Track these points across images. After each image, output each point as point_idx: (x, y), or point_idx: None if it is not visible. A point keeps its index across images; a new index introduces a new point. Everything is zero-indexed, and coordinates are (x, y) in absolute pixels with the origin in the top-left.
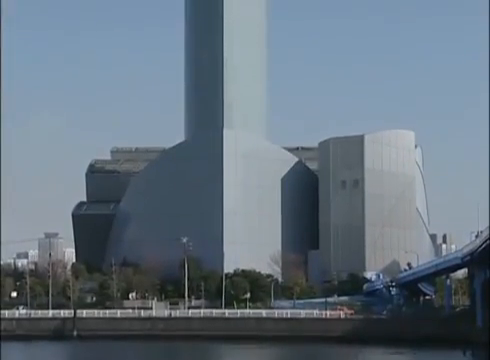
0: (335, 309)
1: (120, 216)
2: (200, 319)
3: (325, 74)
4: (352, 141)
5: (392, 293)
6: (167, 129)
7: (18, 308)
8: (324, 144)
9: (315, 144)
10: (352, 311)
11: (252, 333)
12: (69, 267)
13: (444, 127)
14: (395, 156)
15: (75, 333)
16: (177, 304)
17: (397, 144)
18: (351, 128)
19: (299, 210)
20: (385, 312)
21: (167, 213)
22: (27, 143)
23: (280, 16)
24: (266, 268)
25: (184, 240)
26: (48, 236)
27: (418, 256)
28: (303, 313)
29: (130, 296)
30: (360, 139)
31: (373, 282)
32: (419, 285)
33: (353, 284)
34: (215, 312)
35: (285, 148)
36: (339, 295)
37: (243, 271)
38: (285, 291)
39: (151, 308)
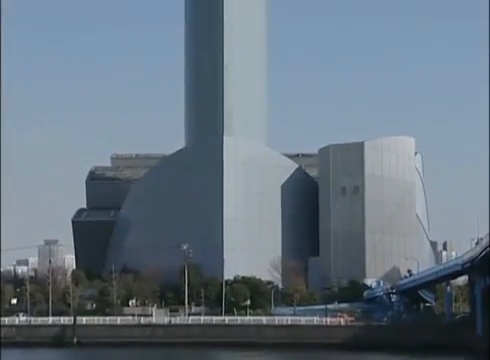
0: (335, 316)
1: (120, 223)
2: (200, 326)
3: (325, 81)
4: (352, 148)
5: (392, 300)
6: (167, 136)
7: (18, 315)
8: (324, 151)
9: (315, 151)
10: (352, 318)
11: (252, 340)
12: (69, 274)
13: (444, 134)
14: (395, 163)
15: (75, 340)
16: (177, 311)
17: (397, 151)
18: (351, 135)
19: (299, 217)
20: (385, 319)
21: (167, 220)
22: (27, 150)
23: (280, 23)
24: (266, 275)
25: (184, 247)
26: (48, 243)
27: (418, 263)
28: (303, 320)
29: (130, 303)
30: (360, 146)
31: (373, 289)
32: (419, 292)
33: (353, 291)
34: (215, 319)
35: (285, 155)
36: (339, 302)
37: (243, 278)
38: (285, 298)
39: (151, 315)
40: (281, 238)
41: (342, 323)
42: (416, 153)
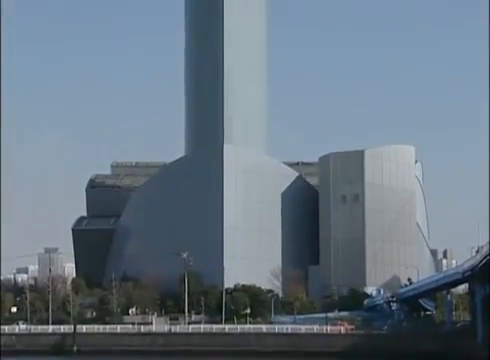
0: (336, 324)
1: (120, 231)
2: (200, 334)
3: (326, 89)
4: (352, 156)
5: (393, 308)
6: (167, 144)
7: (18, 323)
8: (324, 159)
9: (315, 159)
10: (353, 326)
11: (252, 348)
12: (69, 282)
13: (444, 142)
14: (395, 171)
15: (75, 348)
16: (177, 319)
17: (397, 159)
18: (351, 143)
19: (299, 225)
20: (386, 327)
21: (167, 228)
22: (27, 158)
23: (280, 32)
24: (266, 283)
25: (184, 255)
26: (48, 251)
27: (418, 271)
28: (303, 328)
29: (130, 311)
30: (360, 154)
31: (374, 297)
32: (420, 300)
33: (353, 299)
34: (215, 327)
35: (285, 163)
36: (340, 310)
37: (243, 286)
38: (285, 306)
39: (151, 323)
40: (281, 246)
41: (342, 331)
42: (416, 161)
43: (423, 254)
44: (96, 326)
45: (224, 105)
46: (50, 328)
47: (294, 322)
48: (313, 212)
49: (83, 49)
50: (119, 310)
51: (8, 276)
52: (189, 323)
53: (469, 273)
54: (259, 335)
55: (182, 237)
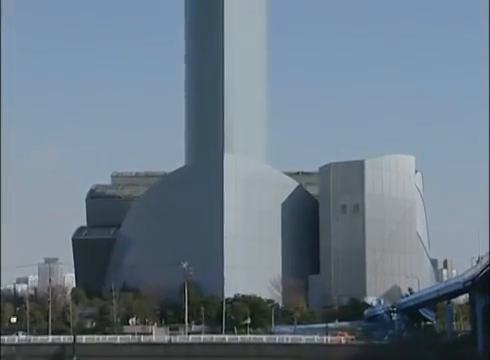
0: (336, 334)
1: (120, 241)
2: (200, 344)
3: (326, 99)
4: (352, 166)
5: (393, 318)
6: (167, 154)
7: (18, 333)
8: (324, 169)
9: (315, 169)
10: (353, 337)
11: (253, 359)
12: (69, 292)
13: (444, 152)
14: (395, 181)
15: (75, 359)
16: (177, 329)
17: (397, 169)
18: (351, 153)
19: (299, 235)
20: (386, 338)
21: (167, 238)
22: (27, 168)
23: (280, 41)
24: (266, 293)
25: (184, 265)
26: (48, 261)
27: (419, 281)
28: (304, 338)
29: (130, 321)
30: (360, 164)
31: (374, 307)
32: (420, 310)
33: (354, 309)
34: (215, 337)
35: (285, 173)
36: (340, 320)
37: (243, 296)
38: (286, 316)
39: (151, 333)
40: (281, 256)
41: (343, 342)
42: (416, 171)
43: (423, 264)
44: (96, 336)
45: (224, 114)
46: (50, 338)
47: (294, 332)
48: (313, 222)
49: (83, 59)
50: (119, 320)
51: (8, 286)
52: (189, 333)
53: (470, 283)
54: (259, 345)
55: (182, 247)
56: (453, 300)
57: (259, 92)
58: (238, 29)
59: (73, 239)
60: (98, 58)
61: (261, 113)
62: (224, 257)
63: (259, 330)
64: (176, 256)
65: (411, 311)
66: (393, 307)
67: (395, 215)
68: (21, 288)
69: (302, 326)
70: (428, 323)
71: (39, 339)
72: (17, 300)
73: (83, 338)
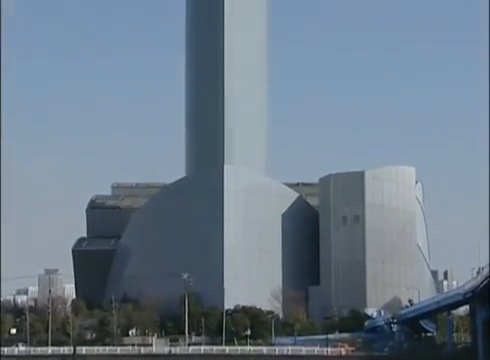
0: (336, 346)
1: (120, 252)
2: (200, 356)
3: (326, 110)
4: (353, 177)
5: (393, 330)
6: (168, 165)
7: (17, 345)
8: (325, 180)
9: (316, 180)
10: (353, 348)
11: None
12: (69, 303)
13: (445, 163)
14: (396, 192)
15: None
16: (177, 341)
17: (398, 180)
18: (352, 164)
19: (300, 246)
20: (386, 349)
21: (167, 249)
22: (27, 178)
23: (280, 52)
24: (267, 304)
25: (184, 276)
26: (48, 272)
27: (419, 292)
28: (304, 350)
29: (130, 333)
30: (361, 175)
31: (374, 319)
32: (420, 322)
33: (354, 320)
34: (215, 349)
35: (285, 184)
36: (340, 331)
37: (244, 307)
38: (286, 327)
39: (151, 345)
40: (282, 267)
41: (343, 353)
42: (417, 182)
43: (424, 275)
44: (96, 347)
45: (224, 126)
46: (50, 350)
47: (295, 344)
48: (313, 233)
49: (83, 67)
50: (119, 331)
51: (8, 297)
52: (189, 344)
53: (470, 294)
54: (260, 357)
55: (182, 258)
56: (453, 311)
57: (259, 103)
58: (239, 39)
59: (73, 250)
60: (98, 67)
61: (261, 124)
62: (224, 268)
63: (259, 341)
64: (176, 267)
65: (411, 322)
66: (393, 318)
67: (395, 226)
68: (21, 299)
69: (302, 337)
70: (428, 334)
71: (39, 350)
72: (17, 311)
73: (83, 349)
